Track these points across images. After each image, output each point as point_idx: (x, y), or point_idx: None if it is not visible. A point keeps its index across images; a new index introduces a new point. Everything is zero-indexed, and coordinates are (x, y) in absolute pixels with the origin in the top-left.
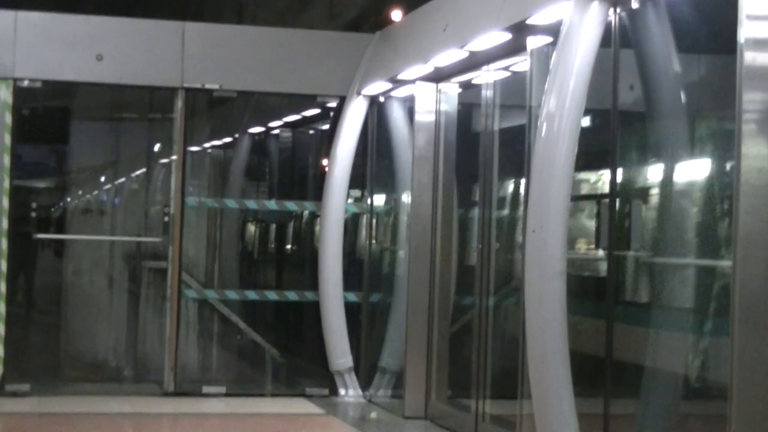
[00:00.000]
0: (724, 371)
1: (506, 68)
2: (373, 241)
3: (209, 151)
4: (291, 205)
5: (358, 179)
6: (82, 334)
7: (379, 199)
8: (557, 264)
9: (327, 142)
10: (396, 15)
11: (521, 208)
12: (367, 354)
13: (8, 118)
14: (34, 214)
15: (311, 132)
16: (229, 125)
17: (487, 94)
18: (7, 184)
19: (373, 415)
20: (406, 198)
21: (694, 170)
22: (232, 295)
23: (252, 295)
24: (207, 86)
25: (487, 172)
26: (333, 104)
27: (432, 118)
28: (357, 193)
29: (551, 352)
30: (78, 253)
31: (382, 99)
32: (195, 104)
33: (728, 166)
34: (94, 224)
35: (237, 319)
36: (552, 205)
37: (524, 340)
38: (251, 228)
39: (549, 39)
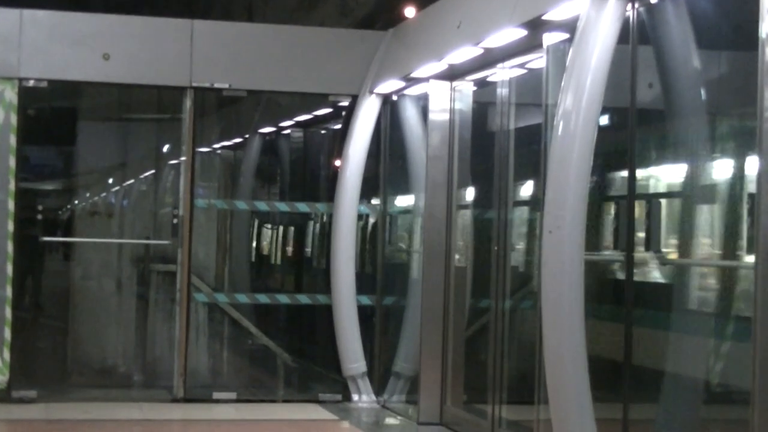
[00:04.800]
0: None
1: (522, 65)
2: (387, 243)
3: (219, 151)
4: (302, 207)
5: (371, 180)
6: (89, 338)
7: (392, 200)
8: (574, 266)
9: (339, 141)
10: (409, 12)
11: (538, 209)
12: (381, 358)
13: (14, 119)
14: (40, 217)
15: (323, 132)
16: (239, 125)
17: (502, 92)
18: (12, 186)
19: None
20: (419, 198)
21: (715, 169)
22: (242, 298)
23: (263, 298)
24: (216, 85)
25: (502, 171)
26: (345, 103)
27: (446, 116)
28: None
29: (569, 356)
30: (85, 256)
31: (395, 97)
32: (204, 104)
33: (750, 164)
34: (102, 227)
35: (248, 324)
36: (569, 205)
37: (541, 344)
38: (262, 230)
39: (565, 35)
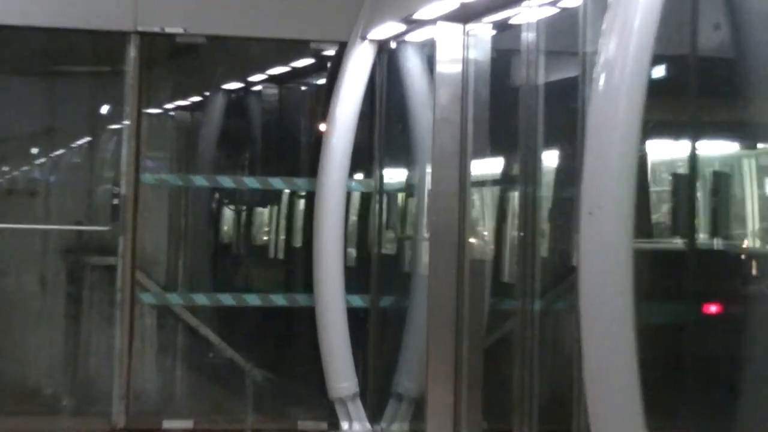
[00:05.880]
0: None
1: (553, 3)
2: (384, 229)
3: (172, 113)
4: (278, 183)
5: (364, 148)
6: (4, 351)
7: (390, 174)
8: (621, 254)
9: (323, 101)
10: None
11: (575, 184)
12: (377, 376)
13: None
14: None
15: (303, 88)
16: (198, 80)
17: (528, 37)
18: None
19: None
20: (425, 172)
21: None
22: (201, 299)
23: (228, 299)
24: (168, 30)
25: (529, 137)
26: (331, 52)
27: (458, 68)
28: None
29: (615, 371)
30: (1, 246)
31: (393, 45)
32: (152, 53)
33: None
34: (22, 209)
35: (208, 332)
36: (613, 179)
37: (580, 355)
38: (227, 213)
39: None
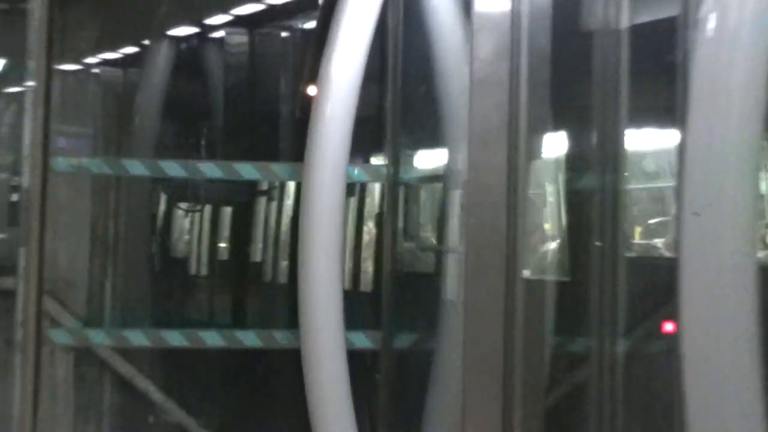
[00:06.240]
0: None
1: None
2: (401, 236)
3: (96, 70)
4: (248, 171)
5: (372, 122)
6: None
7: (409, 159)
8: (739, 268)
9: (313, 53)
10: None
11: (672, 173)
12: None
13: None
14: None
15: (284, 36)
16: (133, 24)
17: None
18: None
19: None
20: (458, 157)
21: None
22: (138, 338)
23: (176, 338)
24: None
25: (607, 106)
26: None
27: (506, 7)
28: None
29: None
30: None
31: None
32: None
33: None
34: None
35: (148, 385)
36: (728, 166)
37: (683, 416)
38: (175, 214)
39: None
